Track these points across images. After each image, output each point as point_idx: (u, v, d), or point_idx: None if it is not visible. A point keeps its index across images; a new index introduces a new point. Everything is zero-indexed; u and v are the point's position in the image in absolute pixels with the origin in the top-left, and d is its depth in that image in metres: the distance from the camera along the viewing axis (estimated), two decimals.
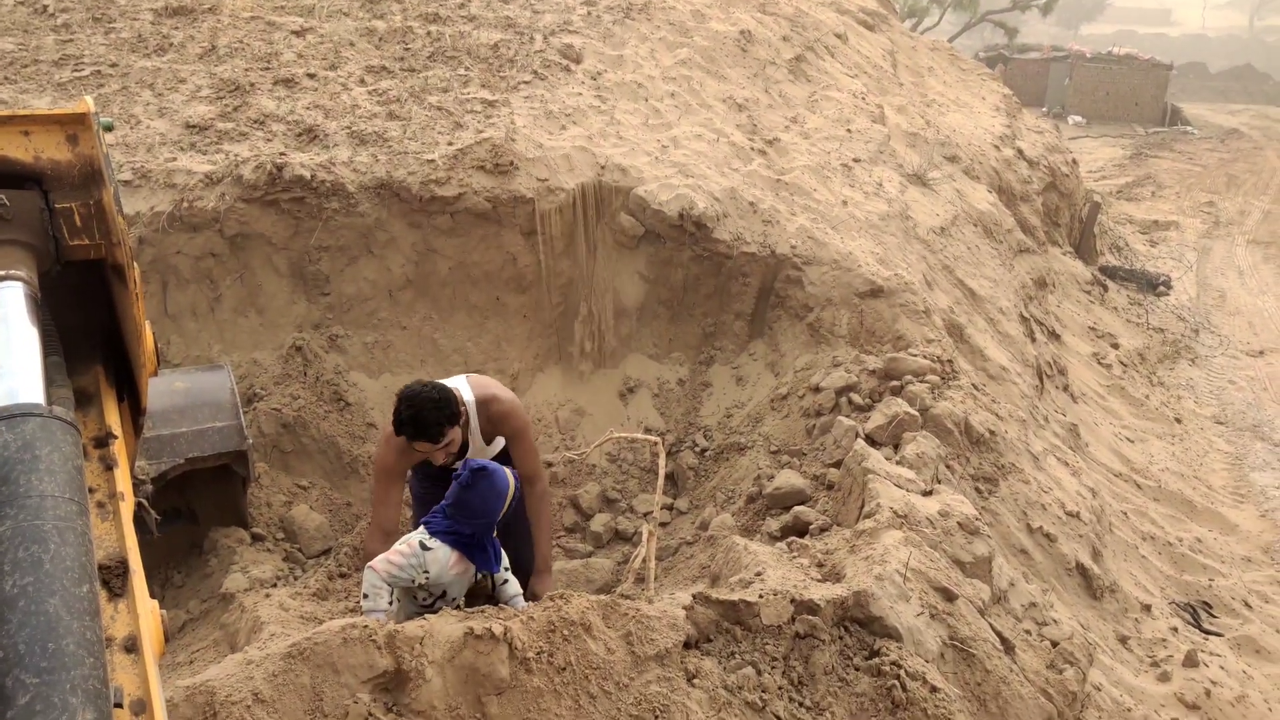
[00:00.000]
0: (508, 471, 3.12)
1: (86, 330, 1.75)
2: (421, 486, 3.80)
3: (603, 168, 5.95)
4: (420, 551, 3.02)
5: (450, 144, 5.80)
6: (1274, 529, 6.60)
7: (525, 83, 6.70)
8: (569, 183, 5.78)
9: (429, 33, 7.24)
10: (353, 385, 5.42)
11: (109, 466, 1.49)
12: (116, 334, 1.79)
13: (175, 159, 5.53)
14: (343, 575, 4.16)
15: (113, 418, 1.63)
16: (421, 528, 3.12)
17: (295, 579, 4.24)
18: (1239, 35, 65.86)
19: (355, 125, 5.93)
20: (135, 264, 1.74)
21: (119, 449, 1.55)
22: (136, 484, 3.49)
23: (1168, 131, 26.64)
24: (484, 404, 3.57)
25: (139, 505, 3.15)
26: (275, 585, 4.04)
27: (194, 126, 5.84)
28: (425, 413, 3.24)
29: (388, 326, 5.64)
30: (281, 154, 5.52)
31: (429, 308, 5.72)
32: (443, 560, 3.03)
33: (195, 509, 4.38)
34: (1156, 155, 22.76)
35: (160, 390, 3.94)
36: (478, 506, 3.01)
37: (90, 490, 1.42)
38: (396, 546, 3.08)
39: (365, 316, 5.61)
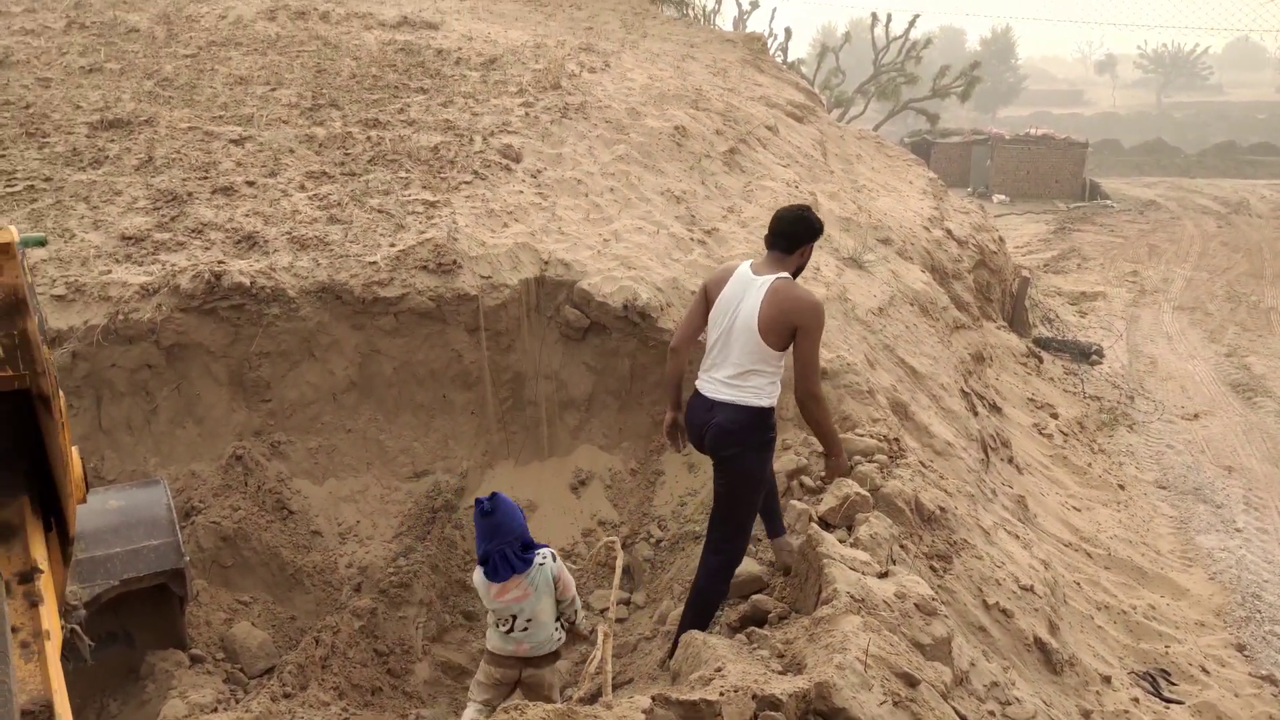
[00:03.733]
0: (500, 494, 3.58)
1: (10, 460, 1.69)
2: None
3: (546, 263, 6.03)
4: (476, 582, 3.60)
5: (392, 245, 5.84)
6: (1224, 592, 6.71)
7: (466, 183, 6.80)
8: (513, 279, 5.83)
9: (369, 137, 7.35)
10: (296, 493, 5.30)
11: (34, 603, 1.43)
12: (42, 462, 1.74)
13: (110, 271, 5.46)
14: (287, 695, 3.98)
15: (39, 550, 1.57)
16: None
17: (237, 702, 4.05)
18: (1148, 112, 69.91)
19: (296, 230, 5.94)
20: (60, 392, 1.70)
21: (45, 583, 1.49)
22: (69, 610, 3.34)
23: (1088, 206, 27.93)
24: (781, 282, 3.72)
25: (71, 632, 3.01)
26: (216, 710, 3.85)
27: (130, 238, 5.80)
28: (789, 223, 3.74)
29: (332, 430, 5.57)
30: (220, 262, 5.50)
31: (374, 409, 5.66)
32: (480, 585, 3.56)
33: (131, 632, 4.19)
34: (1079, 229, 23.79)
35: (93, 510, 3.81)
36: (507, 524, 3.48)
37: (14, 629, 1.36)
38: None
39: (308, 421, 5.53)
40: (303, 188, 6.52)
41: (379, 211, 6.22)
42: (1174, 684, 5.32)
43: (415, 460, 5.64)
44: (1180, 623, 6.14)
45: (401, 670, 4.64)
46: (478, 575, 3.58)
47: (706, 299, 3.94)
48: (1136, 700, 4.84)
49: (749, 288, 3.79)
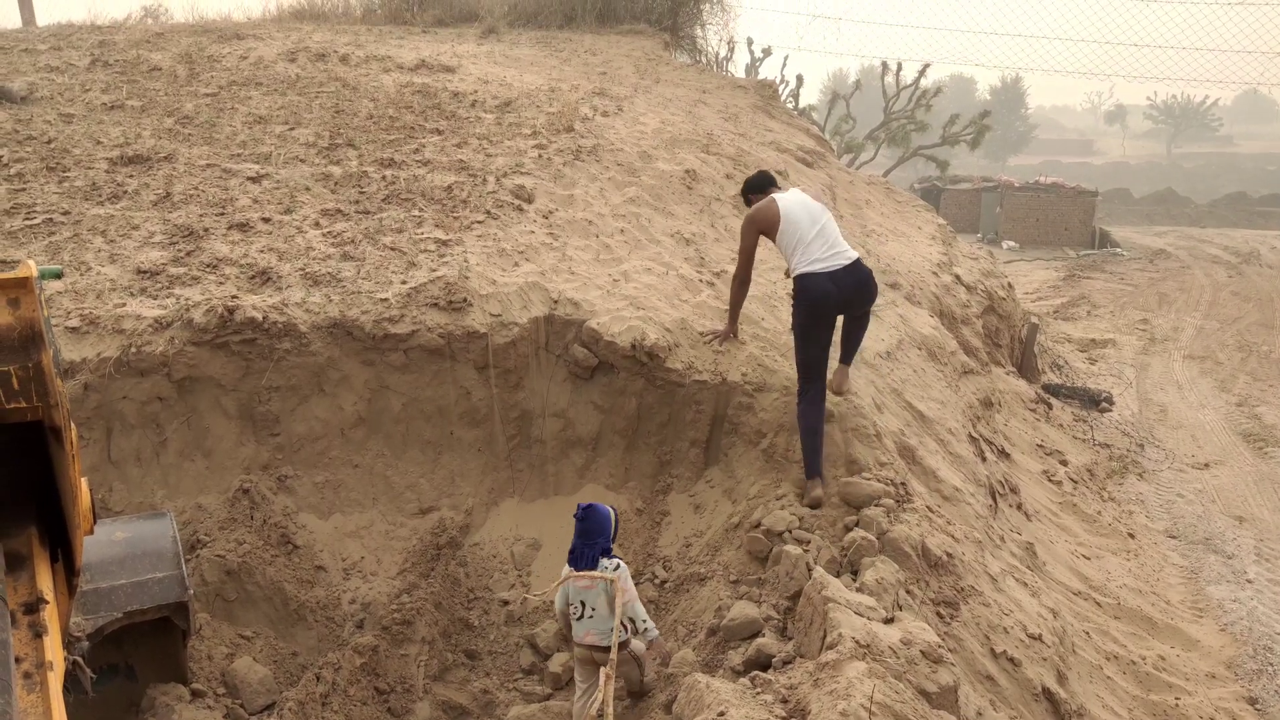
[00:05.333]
0: (608, 507, 4.40)
1: (20, 490, 1.71)
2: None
3: (555, 302, 6.07)
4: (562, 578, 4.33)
5: (404, 282, 5.89)
6: (1235, 644, 6.60)
7: (478, 222, 6.87)
8: (522, 317, 5.87)
9: (384, 177, 7.45)
10: (301, 527, 5.30)
11: (38, 634, 1.44)
12: (52, 493, 1.75)
13: (125, 304, 5.52)
14: None
15: (44, 581, 1.58)
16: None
17: None
18: (1158, 163, 70.32)
19: (309, 266, 6.00)
20: (72, 424, 1.73)
21: (49, 614, 1.50)
22: (72, 641, 3.34)
23: (1098, 254, 27.99)
24: None
25: (74, 664, 3.01)
26: None
27: (145, 272, 5.87)
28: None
29: (339, 465, 5.58)
30: (233, 296, 5.56)
31: (381, 444, 5.67)
32: (566, 571, 4.28)
33: (133, 664, 4.17)
34: (1089, 276, 23.81)
35: (99, 541, 3.82)
36: (594, 530, 4.26)
37: (17, 660, 1.37)
38: None
39: (316, 456, 5.55)
40: (317, 225, 6.60)
41: (392, 249, 6.28)
42: None
43: (421, 496, 5.65)
44: (1190, 674, 6.05)
45: (402, 709, 4.60)
46: (566, 568, 4.38)
47: (762, 234, 5.39)
48: None
49: (802, 199, 5.37)
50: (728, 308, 6.07)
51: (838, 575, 4.46)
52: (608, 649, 4.12)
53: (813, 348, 5.24)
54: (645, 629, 4.35)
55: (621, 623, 4.15)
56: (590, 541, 4.28)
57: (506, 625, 5.21)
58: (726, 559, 5.12)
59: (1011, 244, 29.30)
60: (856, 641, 3.63)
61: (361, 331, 5.57)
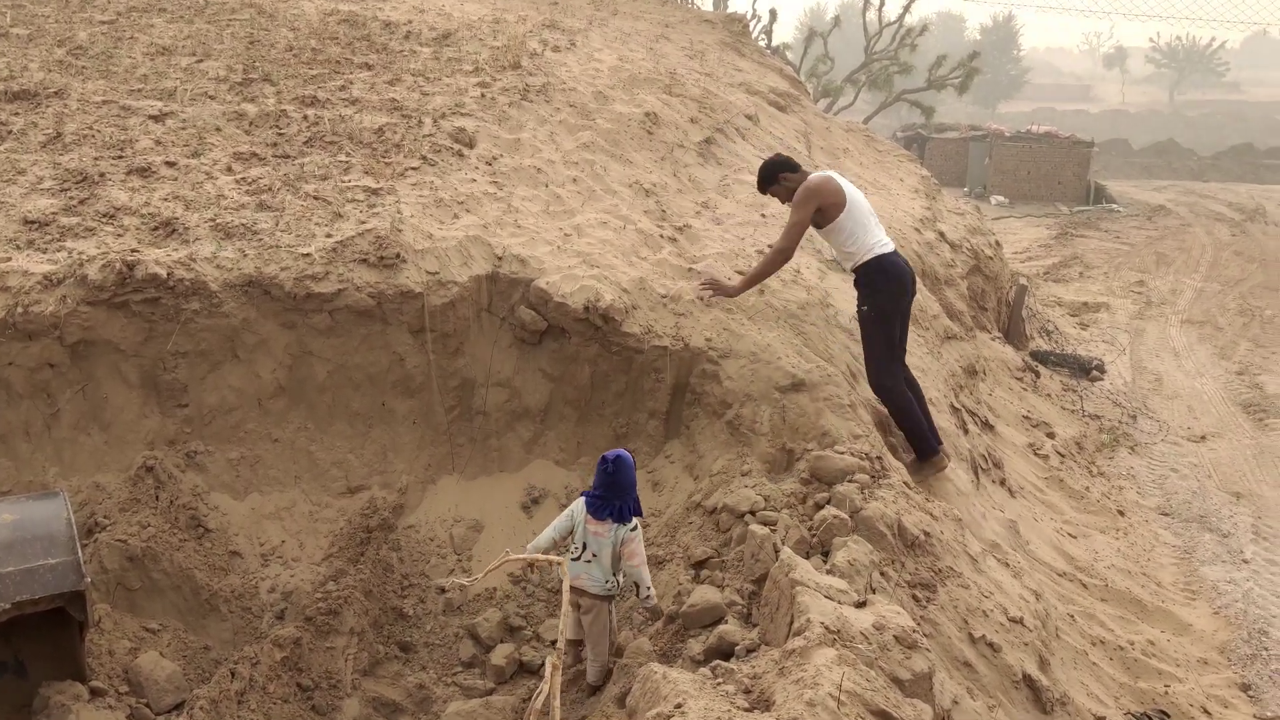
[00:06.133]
0: (630, 456, 4.65)
1: None
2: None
3: (500, 258, 6.04)
4: (573, 509, 4.65)
5: (329, 236, 5.82)
6: (1229, 627, 6.83)
7: (413, 169, 6.79)
8: (462, 275, 5.83)
9: (306, 116, 7.31)
10: (214, 509, 5.26)
11: None
12: None
13: (10, 259, 5.38)
14: None
15: None
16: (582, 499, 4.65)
17: None
18: (1160, 111, 71.29)
19: (220, 217, 5.89)
20: None
21: None
22: None
23: (1093, 210, 28.40)
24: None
25: None
26: None
27: (33, 222, 5.72)
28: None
29: (256, 440, 5.53)
30: (134, 250, 5.44)
31: (304, 417, 5.63)
32: (578, 509, 4.60)
33: (24, 661, 4.12)
34: (1082, 234, 24.18)
35: None
36: (624, 482, 4.52)
37: None
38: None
39: (229, 430, 5.49)
40: (229, 170, 6.48)
41: (315, 198, 6.19)
42: None
43: (349, 474, 5.62)
44: (1181, 660, 6.25)
45: (328, 707, 4.61)
46: (580, 501, 4.64)
47: (820, 209, 5.73)
48: None
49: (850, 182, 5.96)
50: (746, 272, 6.25)
51: (807, 556, 4.52)
52: (594, 595, 4.54)
53: (891, 329, 5.80)
54: (647, 595, 4.60)
55: (609, 583, 4.54)
56: (619, 495, 4.53)
57: (445, 614, 5.23)
58: (687, 540, 5.17)
59: (1000, 199, 29.63)
60: (826, 627, 3.68)
61: (280, 290, 5.50)
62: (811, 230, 6.01)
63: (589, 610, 4.61)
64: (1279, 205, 28.72)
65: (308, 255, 5.63)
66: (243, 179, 6.36)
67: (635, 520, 4.58)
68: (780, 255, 5.86)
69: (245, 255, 5.60)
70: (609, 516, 4.52)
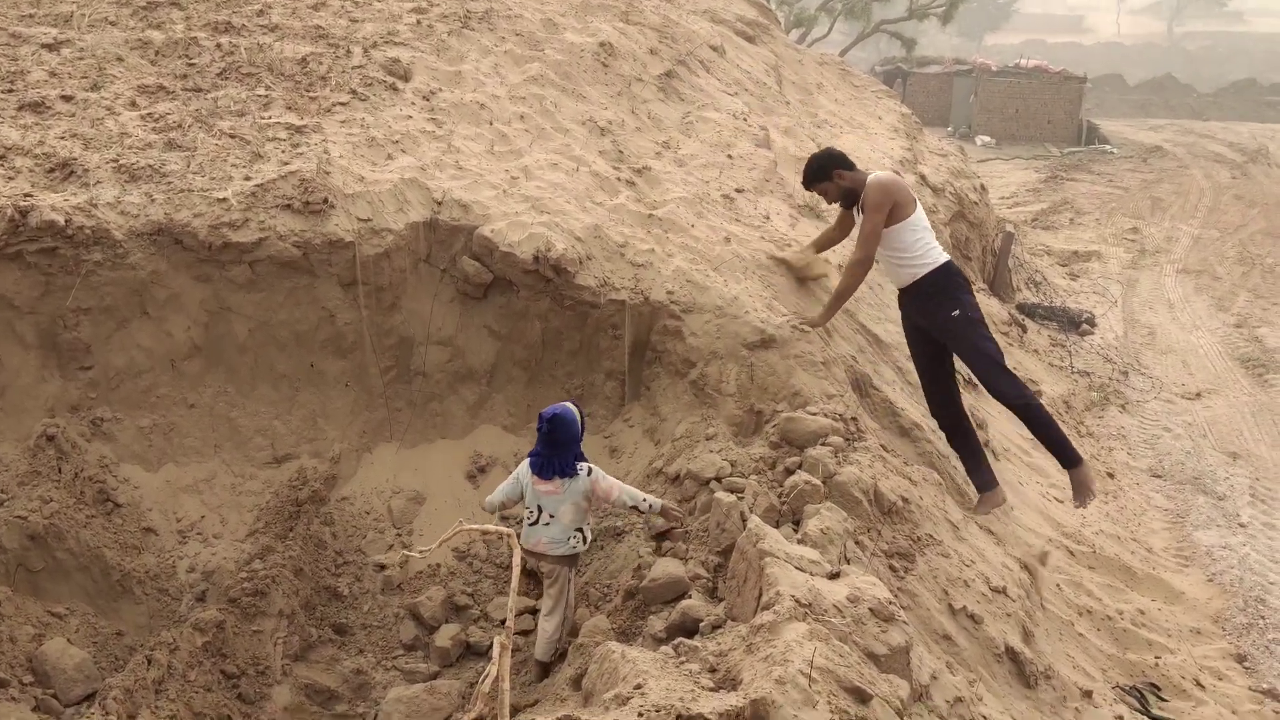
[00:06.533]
0: (570, 405, 4.77)
1: None
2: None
3: (439, 204, 5.99)
4: (518, 472, 4.77)
5: (247, 179, 5.74)
6: (1223, 595, 7.03)
7: (341, 104, 6.70)
8: (398, 223, 5.78)
9: (219, 45, 7.16)
10: (124, 481, 5.22)
11: None
12: None
13: None
14: None
15: None
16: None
17: None
18: (1157, 43, 71.91)
19: (124, 158, 5.78)
20: None
21: None
22: None
23: (1084, 151, 28.68)
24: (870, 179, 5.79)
25: None
26: None
27: None
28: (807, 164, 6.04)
29: (170, 405, 5.49)
30: (27, 195, 5.34)
31: (223, 380, 5.59)
32: (523, 473, 4.70)
33: None
34: (1073, 178, 24.42)
35: None
36: (563, 438, 4.61)
37: None
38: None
39: (139, 394, 5.44)
40: (134, 105, 6.34)
41: (230, 137, 6.08)
42: (1164, 699, 5.57)
43: (275, 442, 5.59)
44: (1173, 630, 6.42)
45: (256, 695, 4.62)
46: (524, 465, 4.75)
47: (886, 210, 5.70)
48: (1121, 718, 5.06)
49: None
50: (830, 298, 6.12)
51: (777, 525, 4.56)
52: (558, 558, 4.67)
53: (987, 328, 5.99)
54: (648, 504, 4.72)
55: (574, 533, 4.69)
56: (561, 451, 4.63)
57: (383, 594, 5.23)
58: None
59: (986, 139, 29.80)
60: (796, 600, 3.73)
61: (194, 239, 5.42)
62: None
63: (549, 576, 4.71)
64: None
65: (224, 200, 5.55)
66: (149, 115, 6.23)
67: (585, 464, 4.68)
68: (861, 267, 5.77)
69: (153, 200, 5.51)
70: (555, 475, 4.62)
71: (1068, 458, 5.79)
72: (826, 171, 5.88)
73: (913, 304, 5.95)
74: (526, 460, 4.75)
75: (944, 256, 5.86)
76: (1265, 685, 5.99)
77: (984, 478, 5.96)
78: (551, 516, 4.65)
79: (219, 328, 5.56)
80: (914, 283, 5.84)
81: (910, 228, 5.76)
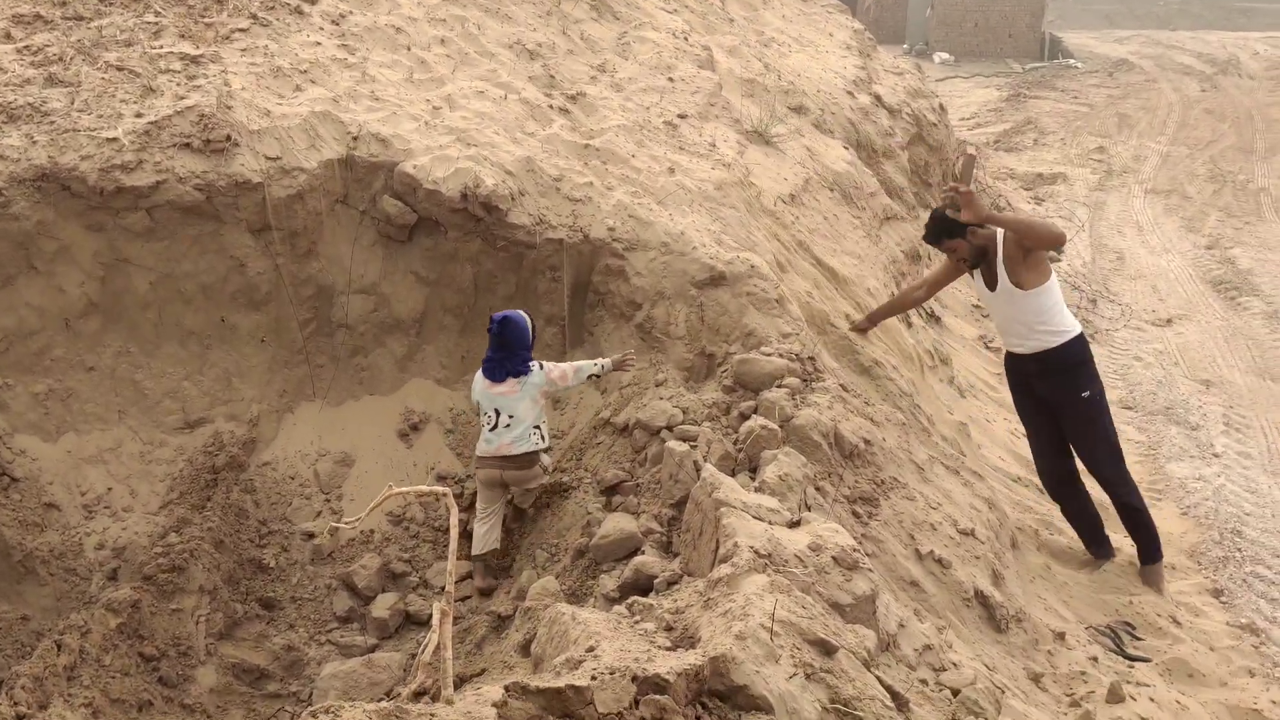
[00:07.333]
0: (522, 313, 5.30)
1: None
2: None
3: (355, 138, 5.93)
4: (472, 388, 5.34)
5: (139, 116, 5.63)
6: (1198, 528, 7.24)
7: (241, 30, 6.57)
8: (310, 160, 5.71)
9: None
10: (20, 454, 5.17)
11: None
12: None
13: None
14: (20, 718, 3.88)
15: None
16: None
17: None
18: None
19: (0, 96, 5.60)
20: None
21: None
22: None
23: (1048, 66, 28.87)
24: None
25: None
26: None
27: None
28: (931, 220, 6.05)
29: (66, 369, 5.42)
30: None
31: (125, 339, 5.52)
32: (477, 382, 5.26)
33: None
34: (1037, 95, 24.61)
35: None
36: (514, 339, 5.13)
37: None
38: None
39: (32, 357, 5.37)
40: (8, 37, 6.17)
41: (118, 69, 5.94)
42: (1139, 639, 5.75)
43: (187, 405, 5.55)
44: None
45: (179, 678, 4.63)
46: (478, 375, 5.25)
47: (1040, 260, 5.91)
48: (1095, 659, 5.21)
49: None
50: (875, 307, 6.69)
51: (733, 474, 4.62)
52: (523, 455, 5.10)
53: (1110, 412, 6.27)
54: (601, 367, 5.29)
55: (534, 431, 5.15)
56: (511, 354, 5.13)
57: (313, 564, 5.24)
58: (595, 464, 5.24)
59: (945, 56, 29.87)
60: (755, 551, 3.79)
61: (83, 185, 5.32)
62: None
63: (521, 480, 5.16)
64: (1254, 55, 29.63)
65: (114, 140, 5.44)
66: (25, 48, 6.06)
67: (535, 361, 5.19)
68: (1041, 229, 6.05)
69: (34, 142, 5.39)
70: (509, 375, 5.09)
71: (1149, 554, 6.23)
72: (961, 228, 5.79)
73: (1038, 374, 6.03)
74: (478, 372, 5.22)
75: (1078, 326, 6.01)
76: (1243, 620, 6.19)
77: (1100, 550, 6.32)
78: (511, 417, 5.07)
79: (117, 282, 5.48)
80: (1044, 351, 5.90)
81: (1049, 291, 5.82)
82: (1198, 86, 25.51)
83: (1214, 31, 36.84)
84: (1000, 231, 5.76)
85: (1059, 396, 6.02)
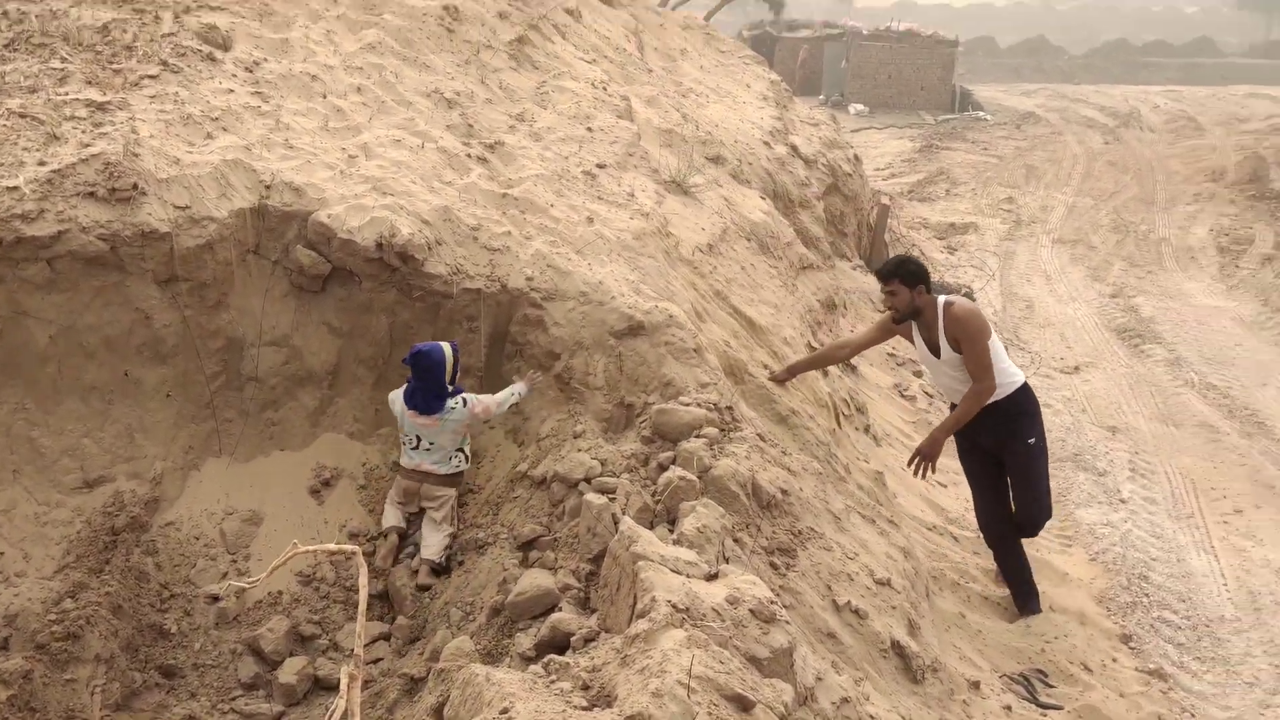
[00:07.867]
0: (444, 345, 5.41)
1: None
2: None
3: (268, 187, 5.87)
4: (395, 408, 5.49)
5: (42, 164, 5.48)
6: (1106, 574, 7.40)
7: (151, 77, 6.47)
8: (221, 210, 5.63)
9: (5, 12, 6.82)
10: None
11: None
12: None
13: None
14: None
15: None
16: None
17: None
18: (1029, 4, 74.91)
19: None
20: None
21: None
22: None
23: (959, 119, 29.78)
24: (948, 306, 6.07)
25: None
26: None
27: None
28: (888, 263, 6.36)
29: None
30: None
31: (21, 394, 5.35)
32: (397, 405, 5.44)
33: None
34: (948, 147, 25.34)
35: None
36: (430, 374, 5.27)
37: None
38: None
39: None
40: None
41: (20, 116, 5.79)
42: (1051, 686, 5.84)
43: (86, 464, 5.38)
44: (1059, 613, 6.72)
45: None
46: (400, 395, 5.41)
47: (989, 335, 6.20)
48: (1009, 708, 5.28)
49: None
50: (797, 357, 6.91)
51: (651, 526, 4.60)
52: (444, 477, 5.37)
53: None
54: (517, 394, 5.58)
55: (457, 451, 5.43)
56: (429, 382, 5.28)
57: (218, 629, 5.08)
58: (512, 518, 5.18)
59: (860, 108, 30.61)
60: (673, 606, 3.76)
61: None
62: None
63: (434, 498, 5.35)
64: (1155, 108, 30.85)
65: (14, 189, 5.29)
66: None
67: (459, 396, 5.33)
68: (986, 393, 6.07)
69: None
70: (428, 412, 5.27)
71: (1027, 606, 6.52)
72: (917, 278, 6.07)
73: (985, 422, 6.19)
74: (400, 396, 5.39)
75: (1022, 375, 6.33)
76: (1152, 665, 6.33)
77: (1029, 603, 6.50)
78: (432, 444, 5.33)
79: (14, 335, 5.30)
80: (993, 403, 6.11)
81: (994, 347, 6.09)
82: (1101, 139, 26.46)
83: (1117, 85, 38.30)
84: (940, 304, 6.06)
85: (1002, 444, 6.27)
